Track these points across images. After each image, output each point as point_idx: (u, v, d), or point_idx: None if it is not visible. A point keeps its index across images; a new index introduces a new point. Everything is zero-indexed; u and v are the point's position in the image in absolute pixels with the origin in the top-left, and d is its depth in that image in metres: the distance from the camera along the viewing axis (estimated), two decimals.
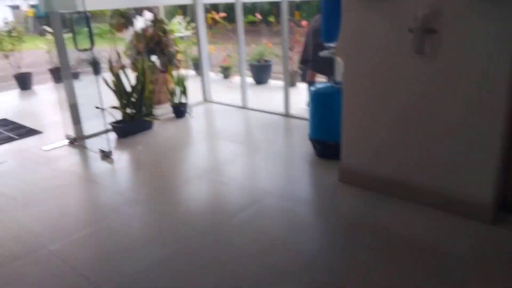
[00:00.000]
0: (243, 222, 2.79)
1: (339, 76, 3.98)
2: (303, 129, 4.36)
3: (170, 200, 3.18)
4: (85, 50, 4.09)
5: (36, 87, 7.98)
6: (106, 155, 4.11)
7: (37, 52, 8.86)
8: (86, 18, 3.90)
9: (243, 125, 5.12)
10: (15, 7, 25.91)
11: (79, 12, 3.95)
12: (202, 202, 3.16)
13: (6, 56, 7.66)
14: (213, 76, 7.72)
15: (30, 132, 5.05)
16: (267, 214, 2.89)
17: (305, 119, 4.66)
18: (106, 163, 3.98)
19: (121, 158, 4.12)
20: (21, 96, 7.53)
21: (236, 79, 7.64)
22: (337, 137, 3.25)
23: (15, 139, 4.80)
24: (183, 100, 5.42)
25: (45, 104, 6.68)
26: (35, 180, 3.66)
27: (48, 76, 8.14)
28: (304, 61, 5.22)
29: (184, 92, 5.40)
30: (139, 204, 3.11)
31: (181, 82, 5.37)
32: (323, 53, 3.56)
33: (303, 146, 3.98)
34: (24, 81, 7.70)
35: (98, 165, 3.99)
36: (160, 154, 4.16)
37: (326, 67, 4.31)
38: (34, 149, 4.46)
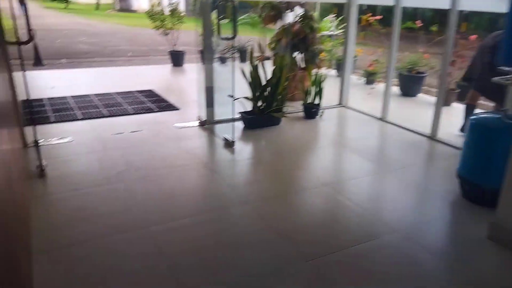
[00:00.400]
0: (354, 259, 2.36)
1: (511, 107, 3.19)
2: (450, 160, 3.67)
3: (279, 208, 2.90)
4: (227, 38, 4.03)
5: (186, 65, 8.54)
6: (229, 144, 4.04)
7: (194, 33, 9.51)
8: (233, 7, 3.82)
9: (378, 139, 4.57)
10: None
11: (227, 1, 3.89)
12: (312, 220, 2.80)
13: (166, 34, 8.32)
14: (355, 79, 7.21)
15: (169, 107, 5.31)
16: (385, 257, 2.40)
17: (456, 148, 3.93)
18: (228, 152, 3.90)
19: (243, 150, 4.00)
20: (172, 71, 8.13)
21: (379, 86, 7.02)
22: (495, 182, 2.56)
23: (154, 111, 5.09)
24: (316, 101, 5.10)
25: (189, 82, 7.04)
26: (160, 155, 3.76)
27: (198, 56, 8.64)
28: (467, 79, 4.42)
29: (319, 93, 5.07)
30: (248, 205, 2.91)
31: (318, 82, 5.04)
32: (497, 79, 2.84)
33: (447, 180, 3.31)
34: (177, 58, 8.29)
35: (220, 152, 3.94)
36: (281, 154, 3.92)
37: (496, 92, 3.52)
38: (168, 124, 4.64)
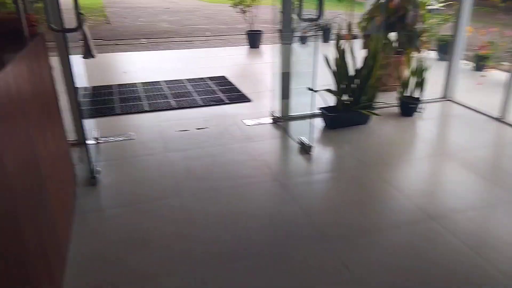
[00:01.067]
0: None
1: None
2: None
3: (368, 254, 2.21)
4: (311, 20, 3.32)
5: (263, 47, 7.91)
6: (305, 149, 3.40)
7: (273, 9, 8.81)
8: None
9: (497, 149, 3.59)
10: None
11: None
12: (418, 277, 2.08)
13: (244, 11, 7.73)
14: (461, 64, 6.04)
15: (240, 98, 4.77)
16: None
17: None
18: (303, 160, 3.27)
19: (321, 158, 3.33)
20: (248, 54, 7.56)
21: (493, 74, 5.81)
22: None
23: (225, 103, 4.58)
24: (416, 95, 4.20)
25: (264, 67, 6.42)
26: (224, 161, 3.23)
27: (276, 36, 7.96)
28: None
29: (420, 84, 4.16)
30: (326, 243, 2.27)
31: (419, 71, 4.13)
32: None
33: None
34: (253, 39, 7.68)
35: (293, 160, 3.32)
36: (369, 166, 3.18)
37: None
38: (238, 119, 4.10)
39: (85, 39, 2.72)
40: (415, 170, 3.16)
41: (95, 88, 5.04)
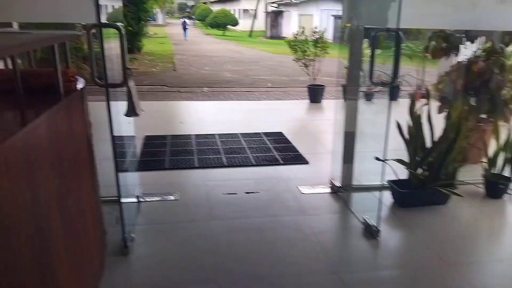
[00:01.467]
0: None
1: None
2: None
3: None
4: (383, 84, 2.89)
5: (325, 102, 7.55)
6: (370, 232, 2.86)
7: (338, 62, 8.52)
8: (397, 38, 2.67)
9: None
10: (338, 17, 27.86)
11: (389, 30, 2.77)
12: None
13: (306, 66, 7.50)
14: None
15: (297, 158, 4.36)
16: None
17: None
18: (367, 247, 2.73)
19: (389, 246, 2.77)
20: (308, 109, 7.23)
21: None
22: None
23: (279, 164, 4.19)
24: (506, 173, 3.54)
25: (325, 125, 6.02)
26: (272, 239, 2.78)
27: (339, 91, 7.61)
28: None
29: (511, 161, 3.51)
30: None
31: (510, 146, 3.50)
32: None
33: None
34: (315, 93, 7.36)
35: (355, 245, 2.78)
36: (449, 262, 2.56)
37: None
38: (292, 184, 3.68)
39: (129, 96, 2.49)
40: (510, 274, 2.50)
41: (148, 138, 4.90)
